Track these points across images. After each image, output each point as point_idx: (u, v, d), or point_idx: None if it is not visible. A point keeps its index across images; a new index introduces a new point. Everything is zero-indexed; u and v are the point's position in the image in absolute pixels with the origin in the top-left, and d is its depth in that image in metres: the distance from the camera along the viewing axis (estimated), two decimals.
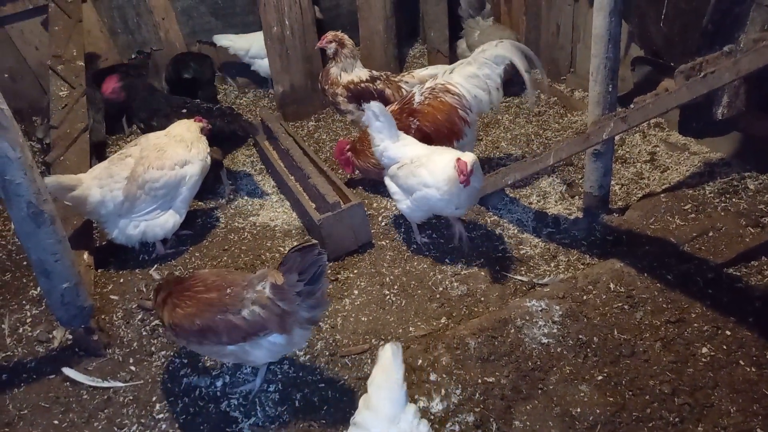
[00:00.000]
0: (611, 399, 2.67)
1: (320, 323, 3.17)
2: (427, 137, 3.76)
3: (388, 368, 2.21)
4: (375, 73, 4.35)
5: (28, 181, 2.55)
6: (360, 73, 4.30)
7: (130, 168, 3.43)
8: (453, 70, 3.90)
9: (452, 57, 5.15)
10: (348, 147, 4.03)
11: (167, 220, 3.52)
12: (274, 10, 4.61)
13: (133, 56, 4.92)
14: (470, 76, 3.84)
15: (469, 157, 3.11)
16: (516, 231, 3.71)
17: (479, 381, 2.79)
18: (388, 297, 3.34)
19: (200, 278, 2.67)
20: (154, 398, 2.90)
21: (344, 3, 5.52)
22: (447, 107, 3.80)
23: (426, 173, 3.31)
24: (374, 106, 3.46)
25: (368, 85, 4.26)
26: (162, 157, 3.46)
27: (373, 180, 4.25)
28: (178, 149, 3.52)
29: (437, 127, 3.79)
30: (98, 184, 3.38)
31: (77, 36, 4.47)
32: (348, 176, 4.30)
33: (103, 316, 3.28)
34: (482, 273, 3.43)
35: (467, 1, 4.93)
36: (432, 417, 2.68)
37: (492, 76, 3.83)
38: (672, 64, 3.82)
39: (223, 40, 5.26)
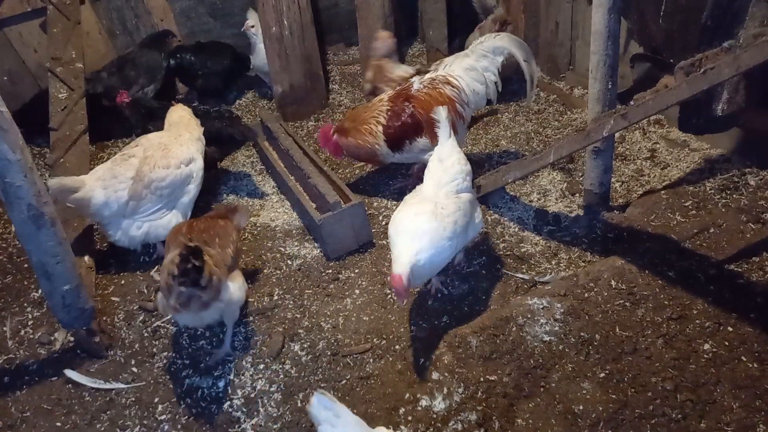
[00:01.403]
0: (613, 396, 2.67)
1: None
2: (418, 124, 3.73)
3: (333, 419, 1.97)
4: (412, 68, 4.41)
5: (29, 183, 2.55)
6: (404, 68, 4.37)
7: (134, 168, 3.41)
8: (453, 63, 3.89)
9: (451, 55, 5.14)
10: (333, 130, 3.90)
11: (170, 221, 3.50)
12: (273, 10, 4.61)
13: None
14: (468, 68, 3.81)
15: (403, 268, 2.67)
16: (517, 229, 3.71)
17: (481, 379, 2.79)
18: (390, 296, 3.33)
19: (214, 221, 3.12)
20: (156, 399, 2.90)
21: (343, 2, 5.52)
22: (445, 99, 3.76)
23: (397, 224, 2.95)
24: (440, 110, 3.28)
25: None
26: (167, 155, 3.45)
27: (373, 180, 4.25)
28: (182, 147, 3.53)
29: (431, 117, 3.76)
30: (102, 185, 3.35)
31: (76, 38, 4.47)
32: (345, 169, 4.29)
33: (104, 318, 3.28)
34: (483, 271, 3.43)
35: (479, 5, 4.94)
36: (434, 416, 2.68)
37: (490, 68, 3.81)
38: (671, 60, 3.82)
39: (252, 17, 5.07)
